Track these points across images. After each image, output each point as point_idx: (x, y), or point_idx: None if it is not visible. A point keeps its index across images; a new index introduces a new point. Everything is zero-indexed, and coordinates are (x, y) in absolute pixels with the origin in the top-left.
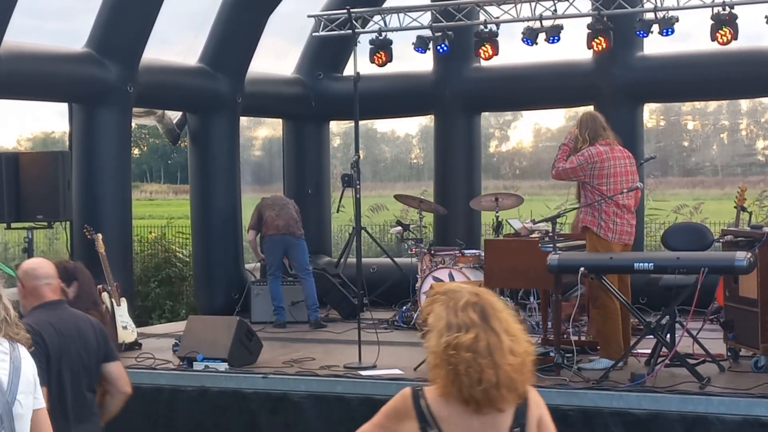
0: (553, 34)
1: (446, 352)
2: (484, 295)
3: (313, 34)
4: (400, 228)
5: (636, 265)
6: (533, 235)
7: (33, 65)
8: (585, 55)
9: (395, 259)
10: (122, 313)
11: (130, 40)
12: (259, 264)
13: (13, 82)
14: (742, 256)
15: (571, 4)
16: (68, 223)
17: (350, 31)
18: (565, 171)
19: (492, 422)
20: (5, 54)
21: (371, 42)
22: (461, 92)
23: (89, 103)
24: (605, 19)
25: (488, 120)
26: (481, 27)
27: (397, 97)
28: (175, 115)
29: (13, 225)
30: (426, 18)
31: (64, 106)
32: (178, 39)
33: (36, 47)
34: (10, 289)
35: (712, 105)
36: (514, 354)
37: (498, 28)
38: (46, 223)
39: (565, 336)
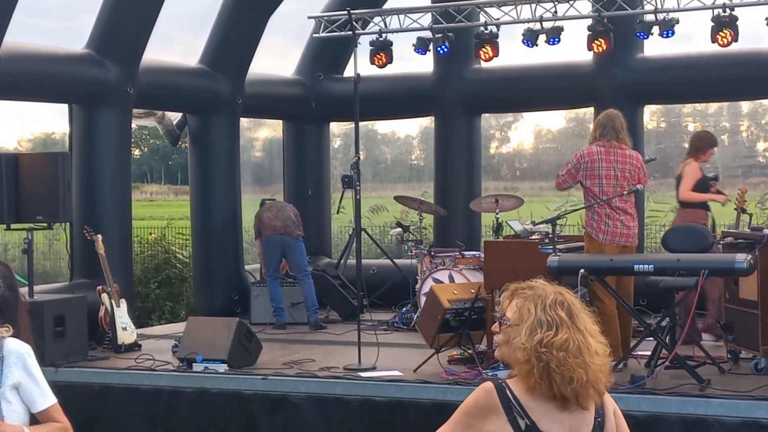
0: (554, 36)
1: (537, 349)
2: (566, 294)
3: (314, 35)
4: (400, 229)
5: (636, 267)
6: (533, 237)
7: (33, 66)
8: (585, 56)
9: (395, 260)
10: (122, 314)
11: (131, 40)
12: (259, 264)
13: (13, 83)
14: (742, 258)
15: (571, 5)
16: (68, 224)
17: (350, 32)
18: (562, 177)
19: (579, 416)
20: (5, 54)
21: (371, 43)
22: (461, 93)
23: (89, 103)
24: (605, 20)
25: (488, 121)
26: (482, 28)
27: (397, 99)
28: (175, 116)
29: (12, 226)
30: (426, 19)
31: (64, 107)
32: (178, 39)
33: (36, 48)
34: None
35: (713, 107)
36: (598, 354)
37: (498, 30)
38: (46, 224)
39: None
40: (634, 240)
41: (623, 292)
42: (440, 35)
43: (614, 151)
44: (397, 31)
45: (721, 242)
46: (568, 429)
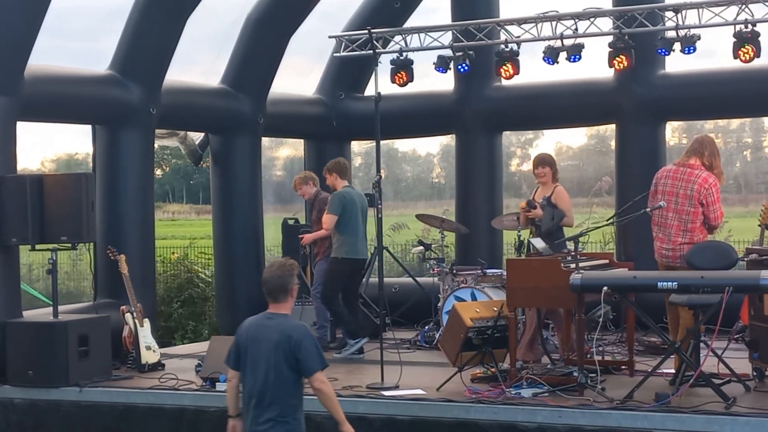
0: (574, 53)
1: None
2: None
3: (335, 54)
4: (421, 247)
5: (660, 284)
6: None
7: (57, 88)
8: (606, 73)
9: (417, 278)
10: (145, 334)
11: (153, 62)
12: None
13: (38, 105)
14: (767, 275)
15: (592, 22)
16: (92, 244)
17: (371, 51)
18: (649, 201)
19: None
20: (30, 77)
21: (392, 62)
22: (482, 111)
23: (113, 124)
24: (626, 37)
25: (509, 138)
26: (502, 46)
27: (418, 117)
28: (197, 136)
29: (37, 246)
30: (447, 38)
31: (87, 128)
32: (200, 59)
33: (60, 70)
34: None
35: (735, 122)
36: None
37: (519, 47)
38: (70, 245)
39: (588, 356)
40: (672, 259)
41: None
42: (461, 53)
43: (683, 170)
44: (417, 50)
45: (745, 259)
46: None
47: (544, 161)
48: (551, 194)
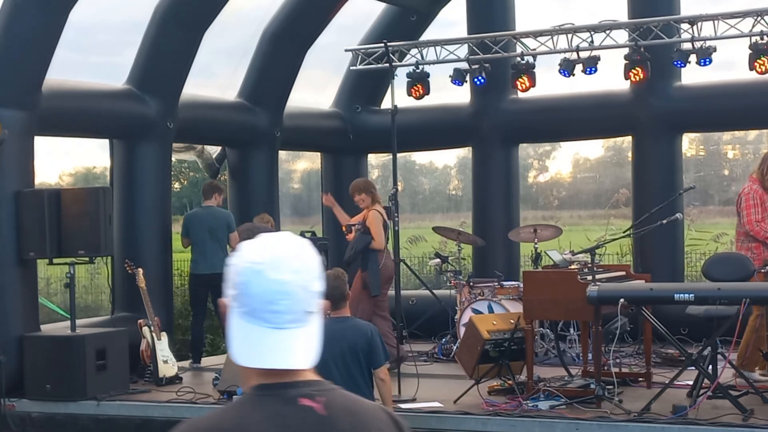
0: (590, 65)
1: None
2: None
3: (351, 67)
4: (438, 260)
5: (677, 296)
6: (572, 267)
7: (74, 102)
8: (623, 85)
9: (434, 291)
10: (163, 348)
11: (170, 76)
12: None
13: (55, 120)
14: None
15: (607, 35)
16: (109, 258)
17: (387, 64)
18: None
19: None
20: (48, 91)
21: (408, 75)
22: (499, 124)
23: (130, 138)
24: (642, 49)
25: (526, 150)
26: (518, 59)
27: (434, 130)
28: (214, 150)
29: (55, 260)
30: (463, 51)
31: (105, 141)
32: (217, 73)
33: (77, 84)
34: None
35: (752, 133)
36: None
37: (535, 60)
38: (87, 258)
39: (605, 368)
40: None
41: None
42: (477, 66)
43: (745, 186)
44: (433, 63)
45: (763, 270)
46: None
47: (358, 188)
48: (365, 218)
